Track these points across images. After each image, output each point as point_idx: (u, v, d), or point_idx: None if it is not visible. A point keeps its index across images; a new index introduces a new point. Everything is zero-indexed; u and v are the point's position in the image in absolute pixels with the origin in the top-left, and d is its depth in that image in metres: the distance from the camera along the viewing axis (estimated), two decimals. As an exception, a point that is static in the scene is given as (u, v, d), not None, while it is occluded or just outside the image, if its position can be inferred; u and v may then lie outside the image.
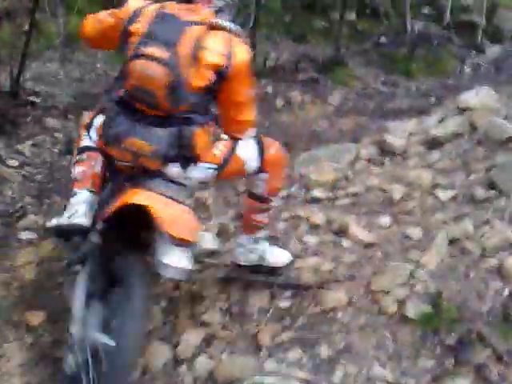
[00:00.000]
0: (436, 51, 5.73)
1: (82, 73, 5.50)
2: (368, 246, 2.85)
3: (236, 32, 2.23)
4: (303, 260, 2.82)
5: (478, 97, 4.19)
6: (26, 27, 4.68)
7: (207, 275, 2.85)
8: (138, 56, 2.11)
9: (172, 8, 2.25)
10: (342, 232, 2.99)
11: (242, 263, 2.71)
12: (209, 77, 2.16)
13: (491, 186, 3.00)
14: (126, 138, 2.15)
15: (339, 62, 5.56)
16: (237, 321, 2.57)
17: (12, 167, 3.97)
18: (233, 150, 2.38)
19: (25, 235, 3.35)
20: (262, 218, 2.62)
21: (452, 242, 2.72)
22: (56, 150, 4.34)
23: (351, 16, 5.90)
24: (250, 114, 2.39)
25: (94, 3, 5.91)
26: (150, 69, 2.08)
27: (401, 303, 2.42)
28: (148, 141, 2.14)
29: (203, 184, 2.54)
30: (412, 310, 2.38)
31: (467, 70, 5.20)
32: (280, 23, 5.53)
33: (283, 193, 3.54)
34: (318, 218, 3.17)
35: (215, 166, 2.32)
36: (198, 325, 2.59)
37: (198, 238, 2.25)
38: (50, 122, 4.61)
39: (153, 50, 2.09)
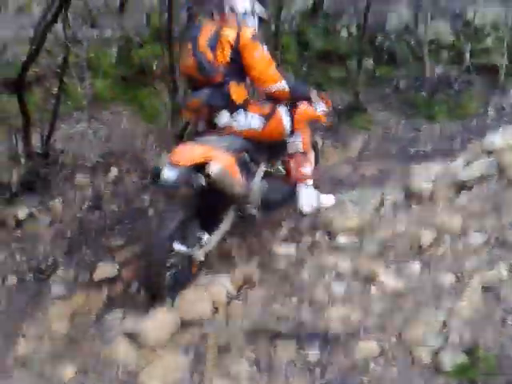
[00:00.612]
0: (457, 94, 5.71)
1: (108, 132, 5.64)
2: (398, 294, 2.78)
3: (243, 22, 3.34)
4: (331, 309, 2.76)
5: (503, 138, 4.14)
6: (55, 90, 4.83)
7: (234, 326, 2.81)
8: None
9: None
10: (370, 280, 2.93)
11: (305, 209, 3.61)
12: (227, 53, 3.23)
13: (522, 227, 2.90)
14: (188, 101, 3.44)
15: (358, 108, 5.58)
16: (264, 373, 2.51)
17: (44, 224, 4.08)
18: (274, 109, 3.40)
19: (57, 289, 3.43)
20: (306, 170, 3.59)
21: (486, 288, 2.64)
22: (85, 206, 4.41)
23: (369, 63, 5.94)
24: (269, 71, 3.30)
25: (118, 67, 6.12)
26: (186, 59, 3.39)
27: (435, 353, 2.33)
28: (197, 97, 3.31)
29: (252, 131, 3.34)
30: (447, 361, 2.29)
31: (490, 111, 5.16)
32: (297, 74, 5.59)
33: (308, 240, 3.52)
34: (345, 265, 3.13)
35: (259, 117, 3.35)
36: (226, 376, 2.54)
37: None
38: (79, 179, 4.71)
39: (187, 44, 3.38)
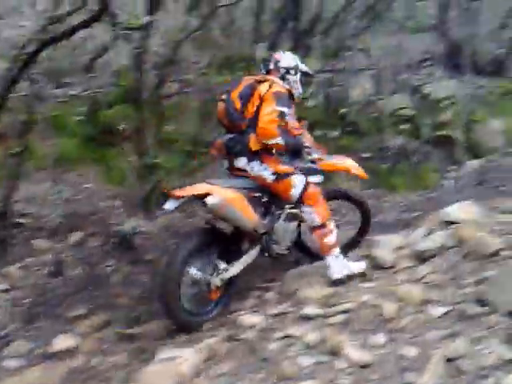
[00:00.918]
0: (417, 165, 5.94)
1: (72, 193, 5.59)
2: (364, 366, 2.78)
3: (276, 81, 3.89)
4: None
5: (461, 211, 4.30)
6: (17, 149, 4.79)
7: None
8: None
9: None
10: (336, 352, 2.94)
11: (335, 277, 3.74)
12: (256, 104, 3.76)
13: (482, 301, 2.98)
14: (216, 141, 4.02)
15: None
16: None
17: (-1, 291, 3.92)
18: (289, 174, 3.84)
19: (11, 362, 3.28)
20: (329, 240, 3.81)
21: (448, 360, 2.68)
22: (45, 272, 4.30)
23: (334, 133, 6.14)
24: (269, 127, 3.68)
25: (85, 126, 6.14)
26: (219, 105, 4.01)
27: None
28: (221, 140, 3.94)
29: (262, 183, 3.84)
30: None
31: (448, 183, 5.35)
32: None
33: (275, 310, 3.54)
34: (312, 337, 3.13)
35: (272, 172, 3.81)
36: None
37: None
38: (39, 243, 4.61)
39: (222, 96, 4.00)
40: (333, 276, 3.76)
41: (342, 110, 6.33)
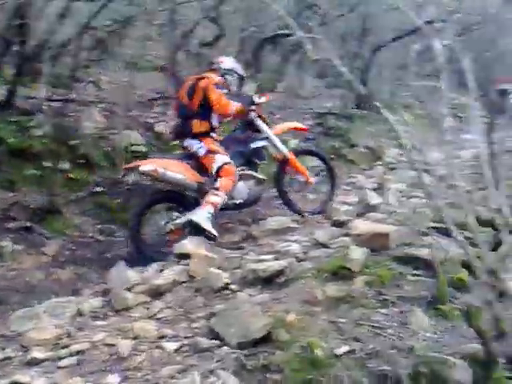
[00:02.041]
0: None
1: None
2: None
3: (210, 80, 5.12)
4: None
5: (192, 245, 4.54)
6: None
7: None
8: None
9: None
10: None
11: (195, 218, 4.85)
12: (200, 98, 5.05)
13: (213, 334, 3.15)
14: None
15: (54, 211, 5.44)
16: None
17: None
18: (215, 153, 5.07)
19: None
20: (214, 199, 4.92)
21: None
22: None
23: (65, 165, 5.91)
24: (223, 103, 5.04)
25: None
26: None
27: None
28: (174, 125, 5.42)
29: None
30: None
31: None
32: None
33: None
34: (40, 382, 2.92)
35: (205, 148, 5.07)
36: None
37: None
38: None
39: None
40: (191, 216, 4.85)
41: (73, 142, 6.13)
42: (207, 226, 4.79)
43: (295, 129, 6.25)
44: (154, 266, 4.51)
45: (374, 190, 6.73)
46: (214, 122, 5.24)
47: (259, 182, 5.46)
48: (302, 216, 5.48)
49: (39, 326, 3.52)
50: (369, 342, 2.71)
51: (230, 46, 8.09)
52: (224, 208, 5.18)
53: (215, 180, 5.03)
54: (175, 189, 5.16)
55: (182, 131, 5.19)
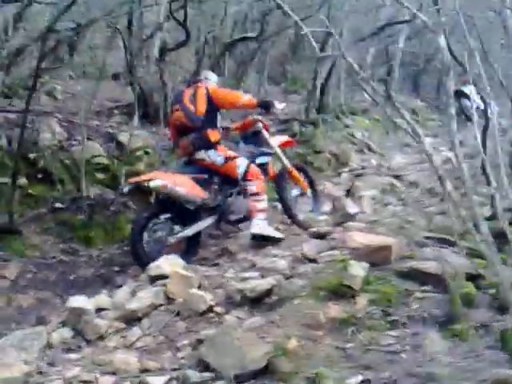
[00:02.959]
0: (114, 217, 5.69)
1: None
2: None
3: (209, 83, 5.20)
4: None
5: (166, 264, 4.22)
6: None
7: None
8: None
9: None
10: None
11: (255, 231, 4.76)
12: (204, 105, 4.92)
13: (203, 366, 2.83)
14: (180, 143, 5.13)
15: (12, 231, 5.02)
16: None
17: None
18: (235, 157, 5.01)
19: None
20: (260, 205, 4.88)
21: None
22: None
23: (22, 180, 5.48)
24: (233, 94, 5.18)
25: None
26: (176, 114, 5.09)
27: None
28: (187, 139, 4.99)
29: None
30: None
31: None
32: None
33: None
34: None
35: (222, 156, 4.97)
36: None
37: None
38: None
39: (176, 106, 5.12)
40: (252, 229, 4.79)
41: (32, 155, 5.70)
42: (269, 232, 4.78)
43: (288, 142, 5.98)
44: (125, 288, 4.16)
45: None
46: (219, 126, 5.16)
47: None
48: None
49: (5, 362, 3.13)
50: (383, 369, 2.47)
51: (191, 50, 7.80)
52: (225, 222, 5.24)
53: (244, 184, 5.00)
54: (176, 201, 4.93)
55: (197, 142, 4.94)
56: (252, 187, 4.92)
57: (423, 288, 2.99)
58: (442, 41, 2.80)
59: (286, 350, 2.66)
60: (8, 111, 6.35)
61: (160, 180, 4.66)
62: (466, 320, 2.68)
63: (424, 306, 2.85)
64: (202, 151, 4.96)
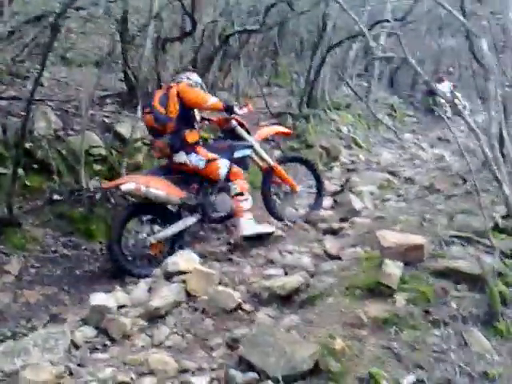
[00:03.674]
0: (114, 210, 5.56)
1: None
2: None
3: (181, 84, 4.93)
4: None
5: (182, 260, 4.15)
6: None
7: None
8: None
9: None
10: None
11: (244, 233, 4.74)
12: (177, 107, 4.78)
13: (244, 365, 2.79)
14: (154, 143, 5.02)
15: (12, 223, 4.84)
16: None
17: None
18: (216, 159, 4.92)
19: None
20: (244, 205, 4.87)
21: None
22: None
23: (18, 172, 5.28)
24: (200, 96, 4.89)
25: None
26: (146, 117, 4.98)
27: None
28: (162, 140, 4.85)
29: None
30: None
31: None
32: None
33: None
34: None
35: (204, 159, 4.86)
36: None
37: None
38: None
39: (146, 109, 4.99)
40: (242, 232, 4.76)
41: (28, 145, 5.51)
42: (260, 229, 4.77)
43: (277, 133, 6.03)
44: (141, 284, 4.08)
45: (337, 193, 6.60)
46: (197, 126, 5.08)
47: None
48: (286, 224, 5.21)
49: (30, 363, 3.03)
50: (434, 368, 2.49)
51: (189, 41, 7.65)
52: (208, 221, 5.13)
53: (228, 184, 5.00)
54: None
55: (174, 144, 4.82)
56: (235, 187, 4.92)
57: (459, 287, 3.02)
58: (485, 45, 2.82)
59: (333, 350, 2.65)
60: (2, 98, 6.13)
61: (133, 183, 4.60)
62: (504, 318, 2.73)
63: (463, 305, 2.87)
64: (183, 154, 4.85)
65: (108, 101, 7.35)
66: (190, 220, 4.96)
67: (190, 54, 7.78)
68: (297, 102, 9.29)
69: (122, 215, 4.78)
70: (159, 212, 4.87)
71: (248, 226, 4.79)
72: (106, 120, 6.58)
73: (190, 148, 4.84)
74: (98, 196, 5.53)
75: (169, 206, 4.95)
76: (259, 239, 4.71)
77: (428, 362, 2.55)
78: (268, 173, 5.44)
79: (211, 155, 4.92)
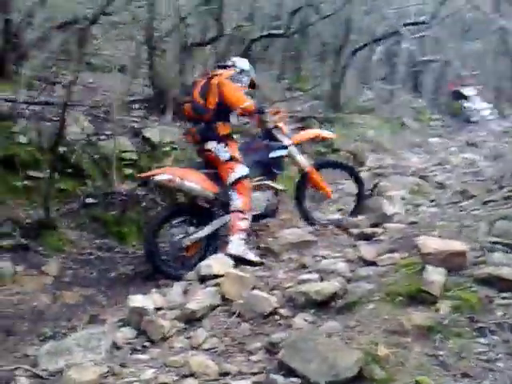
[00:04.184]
0: (145, 213, 5.62)
1: None
2: None
3: (223, 75, 4.92)
4: None
5: (217, 264, 4.18)
6: None
7: None
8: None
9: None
10: None
11: (233, 252, 4.52)
12: (215, 99, 4.80)
13: (285, 370, 2.79)
14: (189, 129, 5.12)
15: (49, 226, 4.92)
16: None
17: None
18: (238, 161, 4.84)
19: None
20: (242, 224, 4.70)
21: None
22: None
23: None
24: (236, 96, 4.80)
25: None
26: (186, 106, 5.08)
27: None
28: (195, 128, 4.94)
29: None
30: None
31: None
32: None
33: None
34: None
35: (229, 154, 4.82)
36: None
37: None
38: None
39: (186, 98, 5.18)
40: (230, 250, 4.54)
41: (61, 149, 5.58)
42: (245, 255, 4.57)
43: (317, 137, 5.83)
44: (177, 287, 4.11)
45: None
46: (234, 121, 5.02)
47: (277, 192, 5.13)
48: (317, 228, 5.20)
49: (73, 363, 3.08)
50: (483, 378, 2.46)
51: (217, 45, 7.70)
52: None
53: (230, 190, 4.81)
54: (188, 201, 5.00)
55: (206, 134, 4.85)
56: (237, 202, 4.74)
57: (503, 294, 2.99)
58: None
59: (377, 357, 2.64)
60: (31, 103, 6.21)
61: (166, 175, 4.65)
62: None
63: (509, 313, 2.84)
64: (214, 143, 4.83)
65: (135, 106, 7.43)
66: (223, 219, 4.93)
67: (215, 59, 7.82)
68: (321, 106, 9.28)
69: (155, 218, 4.84)
70: (192, 213, 4.89)
71: (237, 246, 4.61)
72: (135, 125, 6.65)
73: (221, 138, 4.83)
74: (129, 200, 5.58)
75: (201, 203, 4.91)
76: (243, 262, 4.51)
77: (476, 371, 2.52)
78: (303, 177, 5.41)
79: (238, 155, 4.87)
